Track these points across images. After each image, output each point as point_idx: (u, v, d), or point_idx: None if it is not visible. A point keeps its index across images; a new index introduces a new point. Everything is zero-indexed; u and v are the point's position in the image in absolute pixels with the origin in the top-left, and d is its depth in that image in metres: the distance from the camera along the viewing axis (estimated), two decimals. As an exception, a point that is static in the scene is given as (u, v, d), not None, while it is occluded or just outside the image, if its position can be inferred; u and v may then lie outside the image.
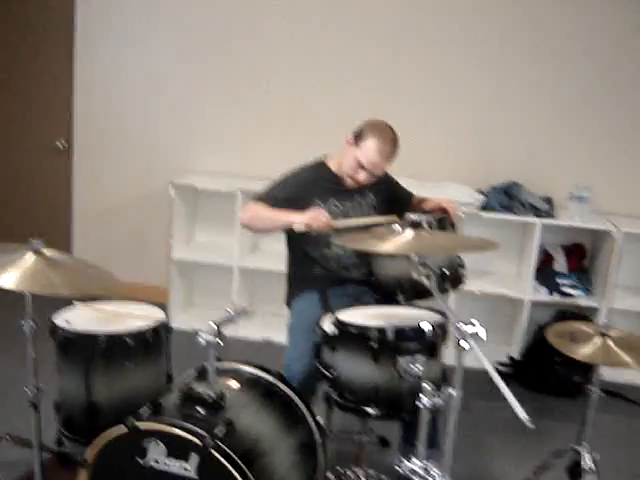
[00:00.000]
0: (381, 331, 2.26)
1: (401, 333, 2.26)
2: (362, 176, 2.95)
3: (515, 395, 1.76)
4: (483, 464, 3.27)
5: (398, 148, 2.95)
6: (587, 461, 2.59)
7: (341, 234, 2.77)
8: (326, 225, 2.77)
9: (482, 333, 1.77)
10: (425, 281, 2.00)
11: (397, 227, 2.33)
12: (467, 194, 4.32)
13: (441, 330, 2.33)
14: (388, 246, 2.20)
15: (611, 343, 2.48)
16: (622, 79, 4.44)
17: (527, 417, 1.68)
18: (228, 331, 4.21)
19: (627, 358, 2.41)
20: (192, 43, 4.81)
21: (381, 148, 2.89)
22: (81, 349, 2.48)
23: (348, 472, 2.87)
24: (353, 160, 2.93)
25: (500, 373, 4.24)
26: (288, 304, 3.16)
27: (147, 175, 4.98)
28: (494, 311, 4.65)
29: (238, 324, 4.77)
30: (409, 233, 2.18)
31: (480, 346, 1.81)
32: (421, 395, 1.90)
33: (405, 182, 3.37)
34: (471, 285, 4.17)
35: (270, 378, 2.42)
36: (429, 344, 2.29)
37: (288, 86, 4.74)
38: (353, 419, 2.95)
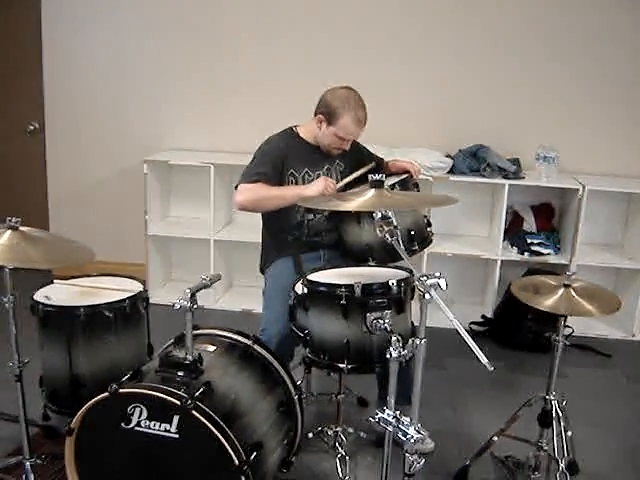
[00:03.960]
0: (349, 288, 2.34)
1: (368, 289, 2.34)
2: (347, 145, 3.07)
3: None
4: (458, 417, 3.37)
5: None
6: (556, 409, 2.68)
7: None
8: (335, 190, 2.89)
9: (443, 283, 1.84)
10: (388, 237, 2.06)
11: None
12: (436, 159, 4.37)
13: (407, 286, 2.42)
14: (351, 205, 2.27)
15: (573, 293, 2.55)
16: (586, 39, 4.50)
17: (487, 361, 1.75)
18: (208, 303, 4.29)
19: (589, 307, 2.48)
20: (159, 20, 4.81)
21: (358, 118, 2.98)
22: (61, 323, 2.55)
23: (328, 431, 2.96)
24: (333, 137, 3.01)
25: (475, 332, 4.30)
26: (262, 271, 3.24)
27: (120, 153, 5.00)
28: (466, 272, 4.76)
29: (217, 296, 4.80)
30: (370, 192, 2.25)
31: (449, 303, 1.87)
32: (389, 348, 1.97)
33: (374, 149, 3.44)
34: (443, 247, 4.28)
35: (247, 341, 2.47)
36: (396, 300, 2.37)
37: (254, 60, 4.75)
38: (332, 382, 3.04)
